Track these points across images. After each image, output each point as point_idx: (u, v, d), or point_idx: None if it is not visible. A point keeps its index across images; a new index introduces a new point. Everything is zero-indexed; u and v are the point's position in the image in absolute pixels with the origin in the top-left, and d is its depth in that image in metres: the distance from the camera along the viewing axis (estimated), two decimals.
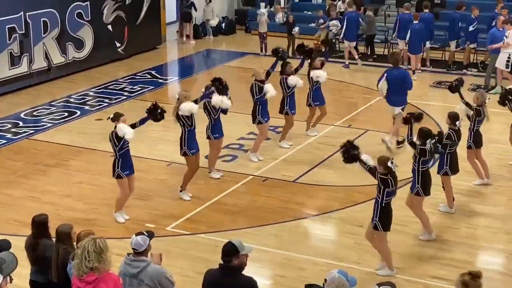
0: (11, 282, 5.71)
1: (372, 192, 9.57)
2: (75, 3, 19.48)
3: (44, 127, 15.75)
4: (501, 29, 17.92)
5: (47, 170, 13.41)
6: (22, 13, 18.04)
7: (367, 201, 11.21)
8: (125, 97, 17.81)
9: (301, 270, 9.76)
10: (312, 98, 14.59)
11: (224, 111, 12.41)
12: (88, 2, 19.95)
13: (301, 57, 14.75)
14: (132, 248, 6.85)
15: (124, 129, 10.65)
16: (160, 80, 19.71)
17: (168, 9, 24.22)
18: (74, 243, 7.39)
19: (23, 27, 18.14)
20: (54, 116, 16.49)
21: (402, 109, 13.79)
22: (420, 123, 10.66)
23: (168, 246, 10.26)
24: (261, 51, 22.34)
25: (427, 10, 20.32)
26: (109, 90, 18.43)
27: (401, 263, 9.88)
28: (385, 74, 14.11)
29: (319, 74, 14.41)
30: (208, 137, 12.54)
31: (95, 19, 20.27)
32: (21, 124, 15.98)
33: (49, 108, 17.03)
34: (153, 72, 20.26)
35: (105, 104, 17.26)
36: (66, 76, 19.52)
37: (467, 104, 12.23)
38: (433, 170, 11.64)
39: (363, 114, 16.58)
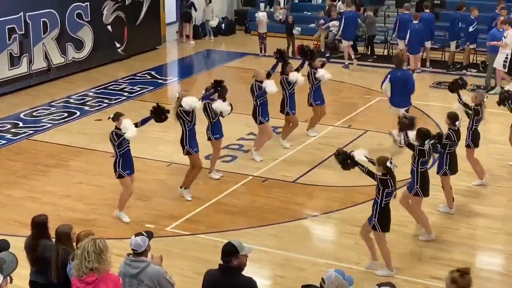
0: (11, 282, 5.71)
1: (372, 193, 9.57)
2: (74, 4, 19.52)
3: (44, 127, 15.75)
4: (501, 30, 17.93)
5: (47, 170, 13.41)
6: (21, 13, 18.05)
7: (367, 201, 11.20)
8: (125, 98, 17.82)
9: (301, 270, 9.76)
10: (313, 97, 14.59)
11: (223, 115, 12.46)
12: (87, 3, 19.96)
13: (302, 58, 14.74)
14: (132, 249, 6.85)
15: (127, 126, 10.66)
16: (160, 81, 19.72)
17: (168, 10, 24.23)
18: (74, 244, 7.39)
19: (23, 28, 18.14)
20: (54, 116, 16.49)
21: (407, 111, 13.82)
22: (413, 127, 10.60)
23: (168, 247, 10.26)
24: (261, 51, 22.34)
25: (427, 10, 20.34)
26: (108, 91, 18.43)
27: (400, 263, 9.88)
28: (389, 76, 14.15)
29: (323, 73, 14.45)
30: (209, 138, 12.55)
31: (94, 20, 20.28)
32: (20, 124, 15.99)
33: (49, 109, 17.04)
34: (153, 73, 20.26)
35: (105, 104, 17.27)
36: (66, 77, 19.52)
37: (465, 104, 12.25)
38: (432, 171, 11.66)
39: (362, 115, 16.59)
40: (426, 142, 10.09)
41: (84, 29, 19.99)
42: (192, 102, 11.59)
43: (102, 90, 18.49)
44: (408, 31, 19.29)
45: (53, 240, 7.77)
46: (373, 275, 9.52)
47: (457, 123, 11.13)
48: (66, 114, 16.61)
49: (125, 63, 21.25)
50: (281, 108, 14.11)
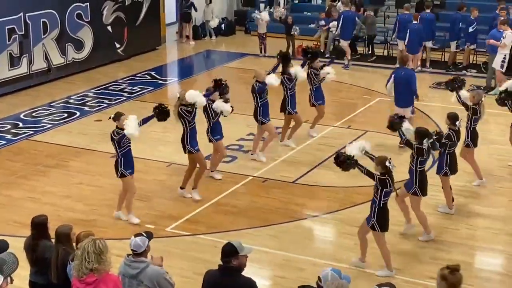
0: (11, 282, 5.71)
1: (372, 193, 9.58)
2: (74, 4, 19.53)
3: (44, 128, 15.75)
4: (501, 30, 17.95)
5: (46, 171, 13.41)
6: (21, 14, 18.04)
7: (367, 202, 11.15)
8: (124, 98, 17.82)
9: (301, 271, 9.76)
10: (314, 98, 14.57)
11: (223, 114, 12.44)
12: (87, 3, 19.96)
13: (304, 58, 14.73)
14: (131, 250, 6.85)
15: (130, 124, 10.66)
16: (160, 81, 19.72)
17: (167, 10, 24.24)
18: (74, 244, 7.38)
19: (23, 28, 18.14)
20: (54, 117, 16.50)
21: (412, 111, 13.88)
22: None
23: (168, 247, 10.26)
24: (261, 52, 22.34)
25: (428, 10, 20.35)
26: (108, 91, 18.43)
27: (400, 264, 9.89)
28: (393, 75, 14.20)
29: (329, 71, 14.47)
30: (210, 140, 12.53)
31: (94, 20, 20.27)
32: (20, 125, 15.98)
33: (49, 109, 17.04)
34: (152, 73, 20.26)
35: (105, 105, 17.27)
36: (66, 77, 19.52)
37: (463, 104, 12.26)
38: (432, 171, 11.67)
39: (362, 115, 16.59)
40: (424, 141, 10.11)
41: (84, 29, 19.99)
42: (195, 95, 11.60)
43: (102, 91, 18.49)
44: (408, 31, 19.30)
45: (53, 240, 7.77)
46: (373, 276, 9.52)
47: (457, 123, 11.13)
48: (66, 115, 16.61)
49: (125, 64, 21.25)
50: (282, 108, 14.10)
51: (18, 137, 15.20)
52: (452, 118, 11.14)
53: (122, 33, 21.36)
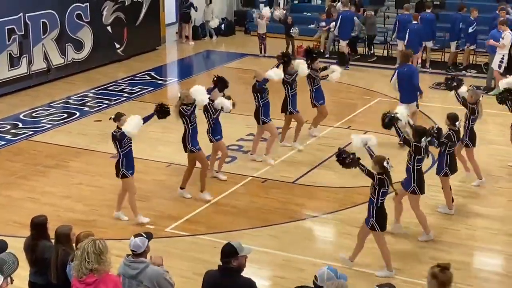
0: (11, 283, 5.71)
1: None
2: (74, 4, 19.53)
3: (44, 128, 15.75)
4: (500, 31, 17.97)
5: (46, 171, 13.41)
6: (21, 14, 18.05)
7: (367, 202, 11.19)
8: (124, 98, 17.82)
9: (301, 271, 9.75)
10: (315, 98, 14.55)
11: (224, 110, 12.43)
12: (87, 3, 19.96)
13: (305, 59, 14.72)
14: (131, 250, 6.85)
15: (130, 122, 10.66)
16: (160, 81, 19.72)
17: (167, 10, 24.25)
18: (74, 245, 7.38)
19: (23, 28, 18.14)
20: (54, 117, 16.50)
21: (417, 106, 13.99)
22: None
23: (167, 247, 10.26)
24: (261, 52, 22.35)
25: (429, 10, 20.36)
26: (108, 91, 18.44)
27: (400, 264, 9.89)
28: (396, 71, 14.42)
29: (336, 69, 14.50)
30: (211, 141, 12.53)
31: (94, 20, 20.28)
32: (20, 125, 15.99)
33: (49, 109, 17.04)
34: (152, 73, 20.27)
35: (105, 105, 17.27)
36: (66, 77, 19.52)
37: (463, 104, 12.27)
38: (432, 171, 11.68)
39: (362, 115, 16.59)
40: (423, 139, 10.12)
41: (84, 29, 19.99)
42: (200, 92, 11.61)
43: (101, 91, 18.49)
44: (407, 31, 19.30)
45: (53, 241, 7.77)
46: (373, 276, 9.53)
47: (457, 123, 11.15)
48: (65, 115, 16.61)
49: (124, 64, 21.26)
50: (283, 108, 14.10)
51: (18, 138, 15.21)
52: (452, 118, 11.15)
53: (122, 33, 21.36)
